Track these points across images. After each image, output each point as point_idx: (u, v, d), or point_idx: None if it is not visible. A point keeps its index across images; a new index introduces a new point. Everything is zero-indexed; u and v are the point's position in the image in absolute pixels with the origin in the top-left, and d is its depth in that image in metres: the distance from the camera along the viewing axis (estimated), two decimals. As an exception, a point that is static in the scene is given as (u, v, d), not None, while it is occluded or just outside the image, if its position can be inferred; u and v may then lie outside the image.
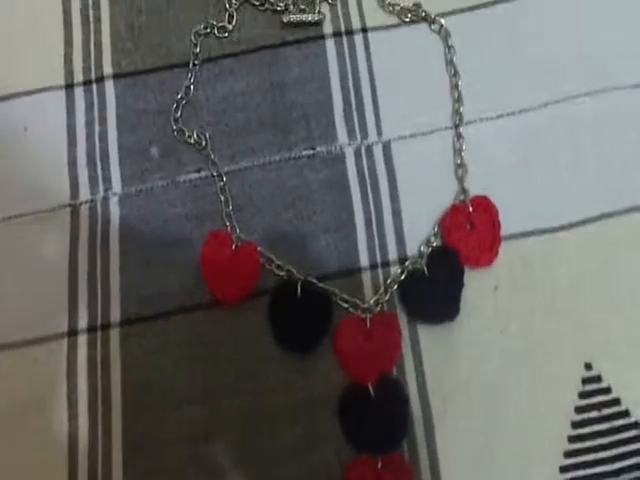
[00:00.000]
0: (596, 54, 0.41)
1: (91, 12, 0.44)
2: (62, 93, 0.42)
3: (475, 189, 0.39)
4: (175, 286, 0.39)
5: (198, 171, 0.41)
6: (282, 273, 0.38)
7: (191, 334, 0.38)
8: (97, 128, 0.42)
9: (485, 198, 0.39)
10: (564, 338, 0.37)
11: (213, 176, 0.41)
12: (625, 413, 0.35)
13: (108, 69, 0.42)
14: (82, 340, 0.38)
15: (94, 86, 0.42)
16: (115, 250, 0.39)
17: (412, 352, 0.37)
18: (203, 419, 0.37)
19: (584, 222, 0.38)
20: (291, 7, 0.43)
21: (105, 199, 0.40)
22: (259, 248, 0.39)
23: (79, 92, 0.42)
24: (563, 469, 0.35)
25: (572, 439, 0.35)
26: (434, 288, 0.37)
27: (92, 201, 0.40)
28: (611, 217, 0.38)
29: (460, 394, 0.36)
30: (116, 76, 0.42)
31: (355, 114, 0.41)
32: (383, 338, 0.36)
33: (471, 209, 0.38)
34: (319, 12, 0.43)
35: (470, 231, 0.38)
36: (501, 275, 0.38)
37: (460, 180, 0.39)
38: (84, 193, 0.41)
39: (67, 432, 0.37)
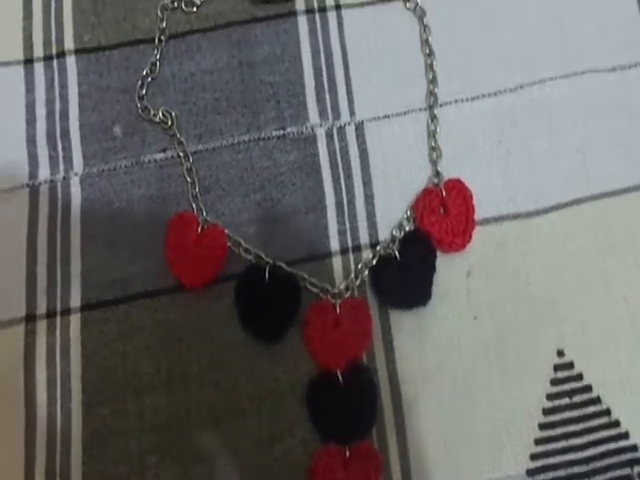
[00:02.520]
0: (573, 36, 0.40)
1: (52, -18, 0.42)
2: (21, 69, 0.40)
3: (449, 172, 0.38)
4: (139, 270, 0.37)
5: (164, 151, 0.39)
6: (250, 257, 0.37)
7: (154, 320, 0.37)
8: (58, 106, 0.40)
9: (459, 181, 0.38)
10: (537, 325, 0.36)
11: (179, 156, 0.39)
12: (596, 400, 0.35)
13: (70, 44, 0.41)
14: (41, 326, 0.36)
15: (55, 62, 0.41)
16: (76, 233, 0.38)
17: (383, 339, 0.36)
18: (166, 408, 0.35)
19: (558, 207, 0.38)
20: (262, -18, 0.41)
21: (66, 179, 0.39)
22: (226, 231, 0.38)
23: (39, 68, 0.40)
24: (534, 456, 0.34)
25: (543, 426, 0.35)
26: (406, 273, 0.36)
27: (52, 181, 0.39)
28: (584, 202, 0.38)
29: (431, 382, 0.35)
30: (78, 51, 0.41)
31: (327, 94, 0.40)
32: (352, 324, 0.35)
33: (444, 192, 0.37)
34: (291, -12, 0.41)
35: (443, 215, 0.37)
36: (474, 260, 0.37)
37: (434, 163, 0.38)
38: (43, 173, 0.39)
39: (24, 422, 0.35)
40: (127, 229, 0.38)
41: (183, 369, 0.36)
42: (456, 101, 0.39)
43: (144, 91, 0.40)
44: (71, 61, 0.41)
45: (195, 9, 0.41)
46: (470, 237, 0.37)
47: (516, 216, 0.38)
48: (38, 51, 0.41)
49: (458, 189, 0.37)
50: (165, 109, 0.39)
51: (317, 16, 0.41)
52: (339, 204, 0.38)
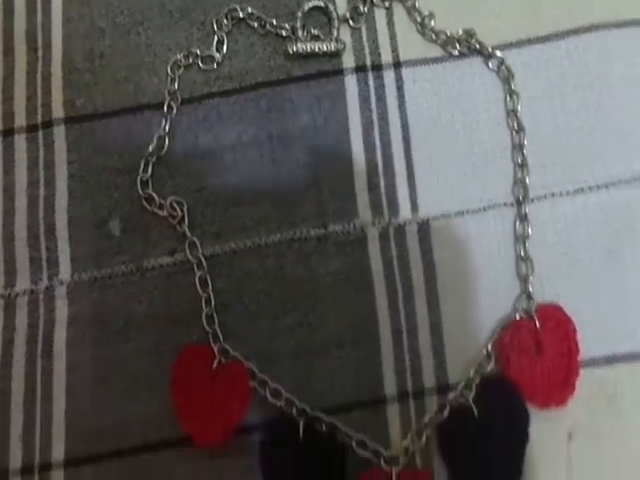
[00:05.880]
0: None
1: (39, 34, 0.33)
2: (-2, 142, 0.32)
3: (544, 293, 0.29)
4: (137, 415, 0.29)
5: (172, 254, 0.31)
6: (279, 403, 0.29)
7: (157, 480, 0.29)
8: (42, 191, 0.32)
9: (558, 308, 0.29)
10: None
11: (191, 262, 0.31)
12: None
13: (59, 111, 0.32)
14: (14, 483, 0.29)
15: (40, 133, 0.32)
16: (60, 364, 0.30)
17: (454, 525, 0.27)
18: None
19: (695, 346, 0.28)
20: (300, 31, 0.32)
21: (49, 289, 0.31)
22: (249, 365, 0.29)
23: (20, 141, 0.32)
24: None
25: None
26: (486, 438, 0.27)
27: (32, 292, 0.31)
28: None
29: None
30: (68, 120, 0.32)
31: (382, 180, 0.31)
32: (414, 506, 0.27)
33: (538, 324, 0.28)
34: (337, 39, 0.32)
35: (536, 355, 0.28)
36: (578, 418, 0.28)
37: (523, 280, 0.29)
38: (22, 280, 0.31)
39: None
40: (123, 359, 0.30)
41: None
42: (553, 194, 0.30)
43: (148, 173, 0.31)
44: (60, 132, 0.32)
45: (215, 66, 0.32)
46: (573, 388, 0.28)
47: (635, 356, 0.28)
48: (20, 119, 0.33)
49: (557, 320, 0.28)
50: (174, 199, 0.31)
51: (370, 75, 0.32)
52: (396, 332, 0.29)
